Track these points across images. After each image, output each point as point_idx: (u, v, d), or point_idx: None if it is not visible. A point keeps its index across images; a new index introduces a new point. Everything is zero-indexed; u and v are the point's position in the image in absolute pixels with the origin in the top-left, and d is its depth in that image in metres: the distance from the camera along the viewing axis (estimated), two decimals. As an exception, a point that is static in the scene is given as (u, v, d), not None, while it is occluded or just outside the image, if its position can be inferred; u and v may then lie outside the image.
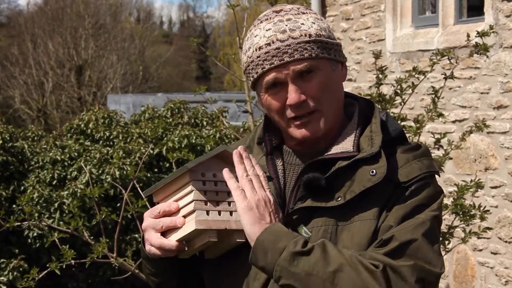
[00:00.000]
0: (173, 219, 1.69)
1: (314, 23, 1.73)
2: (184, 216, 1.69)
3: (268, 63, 1.70)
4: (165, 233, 1.72)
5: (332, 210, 1.68)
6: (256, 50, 1.72)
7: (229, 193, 1.68)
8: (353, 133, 1.76)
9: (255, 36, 1.74)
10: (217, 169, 1.70)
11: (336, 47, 1.75)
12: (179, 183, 1.71)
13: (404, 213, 1.66)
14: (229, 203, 1.69)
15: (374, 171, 1.67)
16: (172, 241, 1.69)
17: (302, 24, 1.71)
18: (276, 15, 1.74)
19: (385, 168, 1.67)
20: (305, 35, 1.70)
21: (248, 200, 1.63)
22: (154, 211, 1.73)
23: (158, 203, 1.76)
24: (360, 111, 1.81)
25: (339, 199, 1.68)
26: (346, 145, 1.74)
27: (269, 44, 1.70)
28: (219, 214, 1.68)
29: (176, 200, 1.72)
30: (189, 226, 1.67)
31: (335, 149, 1.74)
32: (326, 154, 1.74)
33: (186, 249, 1.71)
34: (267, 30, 1.71)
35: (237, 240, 1.68)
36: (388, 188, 1.68)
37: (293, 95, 1.69)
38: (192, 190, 1.67)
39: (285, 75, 1.70)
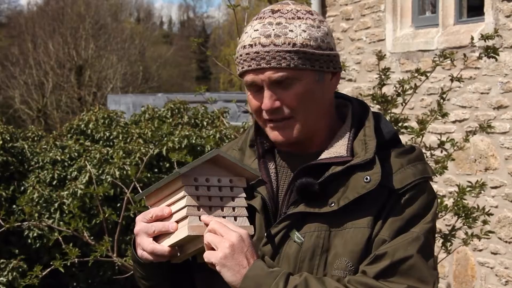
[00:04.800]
0: (166, 224, 1.67)
1: (305, 31, 1.69)
2: (177, 222, 1.67)
3: (247, 65, 1.69)
4: (157, 237, 1.70)
5: (325, 215, 1.67)
6: (242, 47, 1.71)
7: (222, 198, 1.67)
8: (347, 137, 1.74)
9: (245, 33, 1.73)
10: (210, 174, 1.68)
11: (325, 58, 1.71)
12: (172, 188, 1.68)
13: (399, 227, 1.65)
14: (222, 208, 1.67)
15: (369, 177, 1.65)
16: (164, 246, 1.67)
17: (291, 31, 1.68)
18: (269, 16, 1.71)
19: (380, 175, 1.65)
20: (289, 44, 1.67)
21: (220, 252, 1.59)
22: (146, 216, 1.71)
23: (150, 207, 1.74)
24: (353, 113, 1.79)
25: (333, 205, 1.66)
26: (339, 149, 1.72)
27: (251, 46, 1.69)
28: None
29: (169, 205, 1.69)
30: (182, 232, 1.65)
31: (329, 153, 1.72)
32: (319, 158, 1.72)
33: (179, 254, 1.70)
34: (255, 31, 1.70)
35: None
36: (382, 195, 1.67)
37: (266, 101, 1.69)
38: (185, 196, 1.65)
39: (261, 80, 1.69)
